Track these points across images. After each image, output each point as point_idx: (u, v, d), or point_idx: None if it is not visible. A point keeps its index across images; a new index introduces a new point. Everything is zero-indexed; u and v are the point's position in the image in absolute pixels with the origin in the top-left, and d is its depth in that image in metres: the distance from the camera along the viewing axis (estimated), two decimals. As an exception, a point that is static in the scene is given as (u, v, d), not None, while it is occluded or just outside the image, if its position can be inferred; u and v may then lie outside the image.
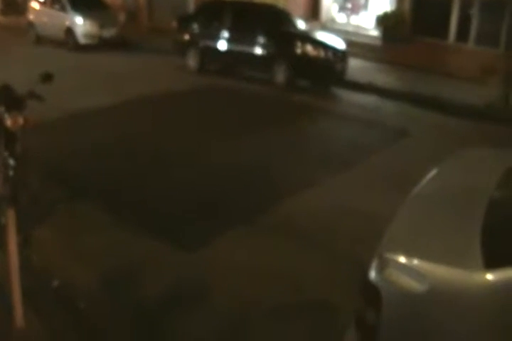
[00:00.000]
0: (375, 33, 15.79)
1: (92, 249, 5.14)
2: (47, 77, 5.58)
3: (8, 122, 5.22)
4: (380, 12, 15.46)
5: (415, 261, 2.67)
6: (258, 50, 12.11)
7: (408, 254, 2.71)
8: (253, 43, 12.18)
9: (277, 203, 6.14)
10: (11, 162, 5.20)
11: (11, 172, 5.19)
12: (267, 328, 4.07)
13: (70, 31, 16.15)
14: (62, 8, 16.51)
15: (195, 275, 4.75)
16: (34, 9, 17.82)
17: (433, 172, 3.72)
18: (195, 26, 13.55)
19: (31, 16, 17.80)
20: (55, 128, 8.58)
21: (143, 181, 6.75)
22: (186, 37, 13.69)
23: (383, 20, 15.18)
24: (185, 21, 14.10)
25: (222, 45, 12.84)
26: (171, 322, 4.11)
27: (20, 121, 5.27)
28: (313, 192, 6.46)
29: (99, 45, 16.06)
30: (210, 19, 13.29)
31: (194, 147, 7.97)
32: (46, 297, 4.32)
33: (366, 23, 16.43)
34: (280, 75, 11.69)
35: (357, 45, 14.57)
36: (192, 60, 13.49)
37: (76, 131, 8.58)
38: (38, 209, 5.42)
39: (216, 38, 12.93)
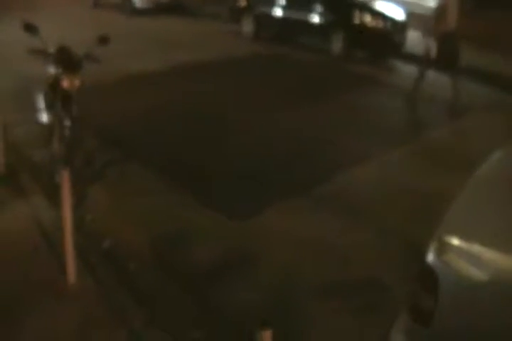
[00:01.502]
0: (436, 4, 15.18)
1: (144, 211, 5.17)
2: (103, 40, 5.60)
3: (65, 83, 5.27)
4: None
5: (476, 247, 2.54)
6: (315, 19, 11.85)
7: (469, 239, 2.58)
8: (310, 11, 11.92)
9: (330, 176, 6.05)
10: (67, 122, 5.27)
11: (66, 133, 5.26)
12: (310, 304, 4.00)
13: (127, -5, 16.16)
14: (121, -28, 16.48)
15: (243, 245, 4.73)
16: (93, -28, 17.83)
17: (497, 154, 3.52)
18: (252, -7, 13.33)
19: (90, -20, 17.84)
20: (110, 90, 8.65)
21: (197, 146, 6.74)
22: (242, 3, 13.50)
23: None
24: (241, -13, 13.88)
25: (278, 13, 12.61)
26: (216, 290, 4.12)
27: (77, 82, 5.32)
28: (368, 167, 6.33)
29: (155, 10, 16.04)
30: (267, -14, 13.03)
31: (247, 115, 7.89)
32: (98, 256, 4.39)
33: (428, -6, 15.83)
34: (337, 45, 11.43)
35: (418, 17, 14.06)
36: (247, 27, 13.32)
37: (130, 95, 8.61)
38: (92, 170, 5.48)
39: (272, 5, 12.70)
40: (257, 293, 4.09)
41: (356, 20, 11.38)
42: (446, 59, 8.72)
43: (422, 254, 2.67)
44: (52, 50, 5.64)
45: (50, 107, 5.72)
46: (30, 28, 5.58)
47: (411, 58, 11.59)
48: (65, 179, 3.93)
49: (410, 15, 12.76)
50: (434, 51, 8.71)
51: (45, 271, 4.12)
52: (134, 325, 3.64)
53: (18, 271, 4.13)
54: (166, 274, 4.29)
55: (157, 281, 4.17)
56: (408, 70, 11.18)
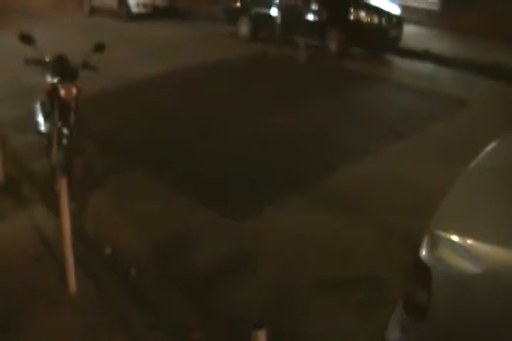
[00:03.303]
0: (432, -3, 15.16)
1: (145, 216, 5.20)
2: (99, 47, 5.63)
3: (62, 92, 5.30)
4: (439, -26, 14.78)
5: (469, 241, 2.52)
6: (311, 17, 11.85)
7: (462, 233, 2.56)
8: (306, 10, 11.91)
9: (328, 172, 6.07)
10: (65, 131, 5.30)
11: (64, 141, 5.29)
12: (312, 301, 4.03)
13: (123, 1, 16.20)
14: (115, -22, 16.52)
15: (244, 245, 4.76)
16: (88, -21, 17.88)
17: (492, 146, 3.49)
18: (247, -7, 13.34)
19: (85, -14, 17.89)
20: (108, 97, 8.68)
21: (196, 149, 6.77)
22: (237, 4, 13.52)
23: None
24: (236, -12, 13.89)
25: (273, 13, 12.61)
26: (218, 291, 4.14)
27: (74, 91, 5.35)
28: (365, 162, 6.34)
29: (151, 14, 16.07)
30: (262, -14, 13.04)
31: (247, 115, 7.92)
32: (98, 263, 4.41)
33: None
34: (333, 42, 11.42)
35: (413, 11, 14.04)
36: (243, 28, 13.33)
37: (129, 100, 8.66)
38: (92, 176, 5.51)
39: (268, 4, 12.70)
40: (257, 293, 4.11)
41: (351, 17, 11.37)
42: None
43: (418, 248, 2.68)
44: (48, 59, 5.67)
45: (48, 116, 5.75)
46: (25, 38, 5.60)
47: (408, 53, 11.59)
48: (63, 187, 3.96)
49: (406, 9, 12.76)
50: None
51: (46, 280, 4.14)
52: (136, 332, 3.66)
53: (18, 280, 4.15)
54: (167, 279, 4.31)
55: (158, 286, 4.20)
56: (405, 65, 11.19)
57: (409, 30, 12.38)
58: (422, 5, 14.98)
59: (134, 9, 16.15)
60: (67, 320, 3.75)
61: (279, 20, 12.46)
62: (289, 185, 5.82)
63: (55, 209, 4.62)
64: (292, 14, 12.20)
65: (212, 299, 4.07)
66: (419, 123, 7.58)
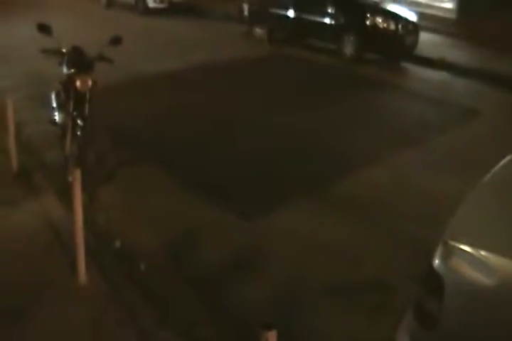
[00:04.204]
0: (449, 5, 15.13)
1: (155, 211, 5.22)
2: (116, 40, 5.65)
3: (78, 84, 5.32)
4: (457, -17, 14.76)
5: (483, 252, 2.52)
6: (327, 20, 11.82)
7: (475, 244, 2.56)
8: (322, 13, 11.89)
9: (340, 177, 6.06)
10: (79, 122, 5.32)
11: (78, 132, 5.31)
12: (321, 304, 4.03)
13: (140, -5, 16.24)
14: (133, -28, 16.58)
15: (253, 244, 4.76)
16: (106, -27, 17.94)
17: (507, 159, 3.50)
18: (264, -6, 13.35)
19: (103, -20, 17.94)
20: (122, 90, 8.70)
21: (208, 147, 6.78)
22: (254, 4, 13.52)
23: (459, -8, 14.49)
24: (253, -11, 13.91)
25: (290, 14, 12.62)
26: (225, 290, 4.15)
27: (89, 82, 5.37)
28: (377, 169, 6.32)
29: (167, 10, 16.10)
30: (279, -13, 13.05)
31: (259, 116, 7.91)
32: (108, 255, 4.43)
33: (441, -5, 15.75)
34: (348, 47, 11.40)
35: (430, 18, 14.02)
36: (259, 28, 13.33)
37: (142, 95, 8.66)
38: (104, 169, 5.54)
39: (285, 6, 12.70)
40: (266, 293, 4.12)
41: (368, 22, 11.35)
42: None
43: (431, 257, 2.68)
44: (65, 50, 5.70)
45: (62, 107, 5.77)
46: (43, 28, 5.63)
47: (423, 61, 11.58)
48: (76, 178, 3.97)
49: (422, 16, 12.74)
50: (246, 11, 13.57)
51: (57, 270, 4.16)
52: (144, 325, 3.67)
53: (29, 270, 4.18)
54: (177, 274, 4.32)
55: (167, 281, 4.21)
56: (419, 73, 11.17)
57: (425, 37, 12.36)
58: (439, 13, 14.98)
59: (151, 4, 16.17)
60: (77, 311, 3.77)
61: (295, 23, 12.49)
62: (301, 187, 5.83)
63: (66, 200, 4.66)
64: (309, 17, 12.22)
65: (221, 296, 4.08)
66: (432, 132, 7.56)
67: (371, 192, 5.75)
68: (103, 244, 4.55)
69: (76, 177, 3.97)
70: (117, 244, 4.59)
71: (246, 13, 13.85)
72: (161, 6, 16.22)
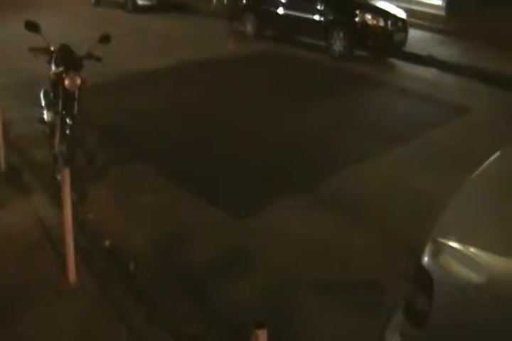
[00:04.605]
0: (438, 2, 15.17)
1: (145, 209, 5.21)
2: (105, 39, 5.62)
3: (66, 82, 5.29)
4: (446, -21, 14.79)
5: (471, 249, 2.52)
6: (316, 17, 11.83)
7: (464, 241, 2.56)
8: (312, 10, 11.90)
9: (331, 175, 6.07)
10: (68, 121, 5.29)
11: (67, 131, 5.28)
12: (307, 303, 4.03)
13: (128, -8, 16.19)
14: (122, -30, 16.52)
15: (243, 243, 4.76)
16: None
17: (496, 155, 3.51)
18: (254, -10, 13.34)
19: (92, -23, 17.86)
20: (111, 88, 8.68)
21: (198, 145, 6.77)
22: (243, 1, 13.51)
23: (448, -11, 14.52)
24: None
25: (279, 11, 12.61)
26: (214, 289, 4.15)
27: (78, 81, 5.33)
28: (366, 166, 6.34)
29: (156, 7, 16.06)
30: (269, -17, 13.04)
31: (248, 114, 7.92)
32: (98, 255, 4.42)
33: (430, -8, 15.78)
34: (338, 44, 11.41)
35: (419, 15, 14.06)
36: (249, 25, 13.32)
37: (131, 92, 8.64)
38: (93, 168, 5.51)
39: (274, 3, 12.69)
40: (255, 292, 4.12)
41: (357, 19, 11.37)
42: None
43: (420, 254, 2.68)
44: (53, 48, 5.66)
45: (51, 105, 5.74)
46: (31, 26, 5.58)
47: (412, 57, 11.62)
48: (65, 177, 3.95)
49: (411, 13, 12.76)
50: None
51: (46, 269, 4.15)
52: (134, 324, 3.66)
53: (19, 268, 4.17)
54: (166, 273, 4.32)
55: (157, 280, 4.20)
56: (408, 70, 11.21)
57: (414, 34, 12.41)
58: (428, 9, 15.02)
59: (140, 1, 16.15)
60: (66, 310, 3.76)
61: (284, 19, 12.49)
62: (290, 185, 5.83)
63: (56, 199, 4.64)
64: (298, 13, 12.22)
65: (210, 295, 4.08)
66: (421, 129, 7.58)
67: (360, 190, 5.77)
68: (93, 243, 4.54)
69: (65, 176, 3.95)
70: (107, 243, 4.58)
71: (232, 9, 13.90)
72: (150, 3, 16.19)
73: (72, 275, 4.02)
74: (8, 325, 3.63)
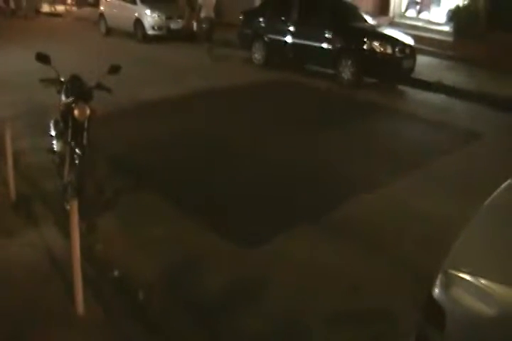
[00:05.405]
0: (446, 28, 15.27)
1: (154, 240, 5.17)
2: (114, 69, 5.68)
3: (76, 112, 5.33)
4: (453, 6, 14.92)
5: (483, 281, 2.47)
6: (324, 45, 11.94)
7: (476, 273, 2.51)
8: (320, 38, 12.01)
9: (341, 202, 6.01)
10: (78, 151, 5.31)
11: (76, 161, 5.29)
12: (319, 335, 3.95)
13: (138, 22, 16.46)
14: (132, 1, 16.85)
15: (253, 273, 4.70)
16: (105, 1, 18.24)
17: (507, 182, 3.46)
18: (262, 20, 13.52)
19: (102, 8, 18.23)
20: (121, 118, 8.73)
21: (208, 174, 6.75)
22: (252, 30, 13.68)
23: (455, 15, 14.55)
24: (251, 15, 14.11)
25: (288, 39, 12.75)
26: (224, 320, 4.08)
27: (88, 111, 5.37)
28: (378, 193, 6.28)
29: (166, 37, 16.29)
30: (277, 13, 13.23)
31: (258, 142, 7.92)
32: (107, 285, 4.37)
33: (437, 18, 15.90)
34: (346, 71, 11.48)
35: (427, 41, 14.16)
36: (257, 54, 13.47)
37: (142, 122, 8.69)
38: (102, 198, 5.50)
39: (282, 31, 12.84)
40: (265, 322, 4.05)
41: (365, 47, 11.44)
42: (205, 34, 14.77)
43: (431, 285, 2.63)
44: (63, 79, 5.73)
45: (61, 135, 5.78)
46: (42, 58, 5.67)
47: (420, 84, 11.65)
48: (74, 208, 3.94)
49: (419, 39, 12.84)
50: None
51: (54, 300, 4.10)
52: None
53: (26, 299, 4.12)
54: (176, 304, 4.26)
55: (167, 311, 4.15)
56: (417, 96, 11.22)
57: (422, 60, 12.46)
58: (436, 35, 15.11)
59: (149, 31, 16.40)
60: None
61: (292, 48, 12.62)
62: (300, 213, 5.79)
63: (65, 229, 4.62)
64: (306, 42, 12.33)
65: (220, 327, 4.01)
66: (432, 155, 7.54)
67: (371, 218, 5.71)
68: (101, 274, 4.50)
69: (73, 206, 3.94)
70: (116, 273, 4.54)
71: (242, 38, 14.06)
72: (160, 33, 16.44)
73: (80, 305, 3.97)
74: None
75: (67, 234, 4.38)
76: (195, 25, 15.41)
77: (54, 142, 5.98)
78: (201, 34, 15.12)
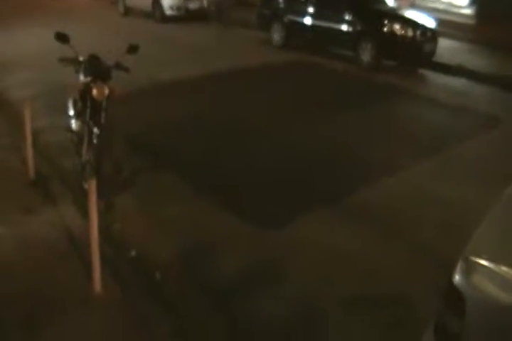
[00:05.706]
0: (468, 11, 15.02)
1: (172, 220, 5.18)
2: (132, 49, 5.66)
3: (94, 92, 5.33)
4: (476, -11, 14.63)
5: (504, 268, 2.43)
6: (344, 27, 11.78)
7: (497, 260, 2.47)
8: (339, 20, 11.85)
9: (360, 186, 5.97)
10: (96, 130, 5.32)
11: (94, 140, 5.31)
12: (336, 319, 3.94)
13: (156, 3, 16.36)
14: (151, -19, 16.72)
15: (270, 255, 4.69)
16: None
17: None
18: (281, 0, 13.35)
19: (120, -13, 18.10)
20: (139, 98, 8.72)
21: (224, 155, 6.73)
22: (271, 11, 13.53)
23: (478, -3, 14.32)
24: (271, -5, 13.93)
25: (307, 21, 12.60)
26: (240, 302, 4.09)
27: (106, 91, 5.37)
28: (398, 177, 6.22)
29: (184, 17, 16.19)
30: (297, -7, 13.05)
31: (275, 123, 7.87)
32: (124, 264, 4.40)
33: (459, 1, 15.63)
34: (366, 54, 11.34)
35: (448, 24, 13.92)
36: (276, 35, 13.33)
37: (159, 102, 8.68)
38: (120, 177, 5.52)
39: (301, 13, 12.68)
40: (283, 305, 4.05)
41: (385, 29, 11.28)
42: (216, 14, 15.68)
43: (452, 271, 2.60)
44: (82, 58, 5.72)
45: (79, 115, 5.79)
46: (61, 37, 5.66)
47: (441, 67, 11.48)
48: (92, 187, 3.95)
49: (441, 22, 12.63)
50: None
51: (72, 278, 4.14)
52: (159, 337, 3.63)
53: (45, 278, 4.16)
54: (192, 284, 4.28)
55: (183, 291, 4.17)
56: (438, 80, 11.07)
57: (443, 44, 12.27)
58: (458, 18, 14.85)
59: (168, 11, 16.29)
60: (92, 319, 3.74)
61: (311, 30, 12.48)
62: (318, 197, 5.76)
63: (83, 208, 4.65)
64: (326, 23, 12.19)
65: (236, 308, 4.02)
66: (452, 141, 7.45)
67: (390, 202, 5.67)
68: (119, 253, 4.53)
69: (91, 185, 3.95)
70: (133, 252, 4.57)
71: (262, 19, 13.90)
72: (178, 13, 16.33)
73: (97, 284, 4.01)
74: (33, 334, 3.63)
75: (85, 213, 4.41)
76: (207, 5, 16.17)
77: (72, 121, 6.00)
78: (212, 14, 15.46)
